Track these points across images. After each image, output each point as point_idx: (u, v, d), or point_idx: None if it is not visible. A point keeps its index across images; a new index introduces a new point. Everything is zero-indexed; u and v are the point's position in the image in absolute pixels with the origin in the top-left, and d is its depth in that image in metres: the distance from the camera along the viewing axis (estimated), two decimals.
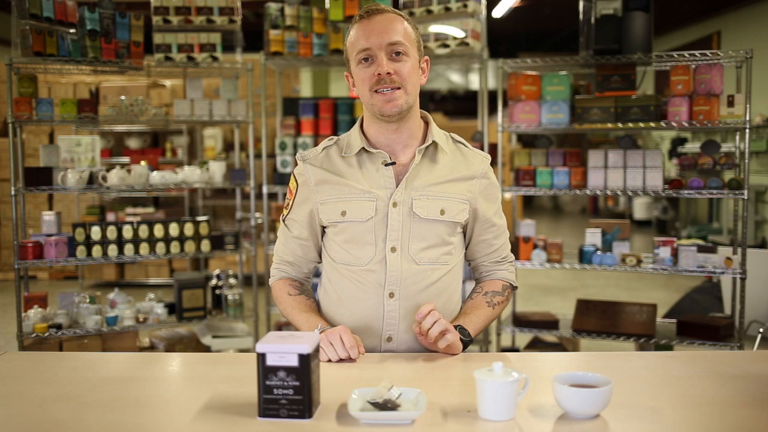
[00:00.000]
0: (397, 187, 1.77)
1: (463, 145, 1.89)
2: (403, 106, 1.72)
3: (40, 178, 3.73)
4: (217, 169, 4.11)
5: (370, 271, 1.77)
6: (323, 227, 1.85)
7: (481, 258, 1.91)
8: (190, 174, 4.03)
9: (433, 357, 1.71)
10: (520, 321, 3.92)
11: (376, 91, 1.71)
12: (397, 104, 1.71)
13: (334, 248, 1.83)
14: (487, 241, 1.88)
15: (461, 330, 1.73)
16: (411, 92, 1.74)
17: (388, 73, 1.69)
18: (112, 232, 3.81)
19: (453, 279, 1.84)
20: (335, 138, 1.88)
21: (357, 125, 1.85)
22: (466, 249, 1.91)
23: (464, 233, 1.88)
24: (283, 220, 1.90)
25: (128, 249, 3.84)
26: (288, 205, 1.88)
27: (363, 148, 1.79)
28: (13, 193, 3.68)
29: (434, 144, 1.81)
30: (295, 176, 1.87)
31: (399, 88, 1.71)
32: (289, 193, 1.88)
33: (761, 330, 3.89)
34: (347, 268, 1.80)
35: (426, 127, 1.84)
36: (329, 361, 1.64)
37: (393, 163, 1.78)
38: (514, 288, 1.93)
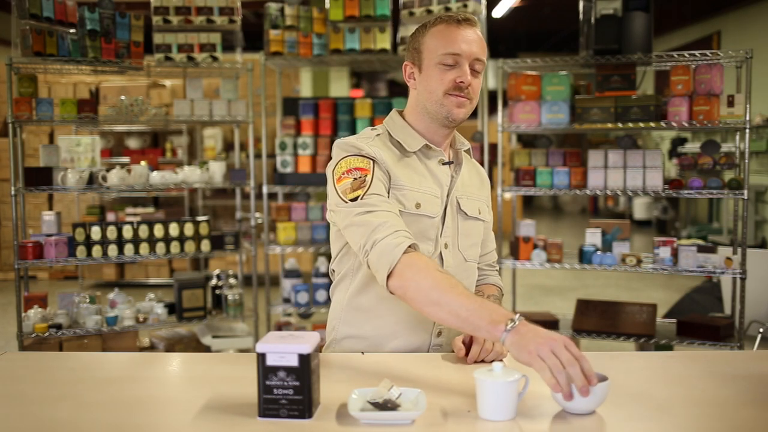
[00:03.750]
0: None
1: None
2: (466, 116, 1.79)
3: (40, 178, 3.73)
4: (217, 169, 4.11)
5: None
6: None
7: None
8: (190, 174, 4.03)
9: (433, 357, 1.71)
10: None
11: (450, 94, 1.75)
12: (464, 111, 1.77)
13: None
14: (484, 242, 1.94)
15: None
16: (473, 107, 1.82)
17: (468, 85, 1.75)
18: (112, 232, 3.81)
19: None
20: (376, 131, 1.80)
21: (403, 123, 1.81)
22: None
23: None
24: (360, 199, 1.64)
25: (128, 249, 3.84)
26: (364, 182, 1.65)
27: (426, 145, 1.78)
28: (13, 193, 3.68)
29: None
30: (362, 154, 1.70)
31: (468, 100, 1.77)
32: (360, 170, 1.67)
33: (761, 330, 3.88)
34: None
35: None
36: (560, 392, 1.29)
37: (450, 163, 1.84)
38: (502, 294, 2.00)
